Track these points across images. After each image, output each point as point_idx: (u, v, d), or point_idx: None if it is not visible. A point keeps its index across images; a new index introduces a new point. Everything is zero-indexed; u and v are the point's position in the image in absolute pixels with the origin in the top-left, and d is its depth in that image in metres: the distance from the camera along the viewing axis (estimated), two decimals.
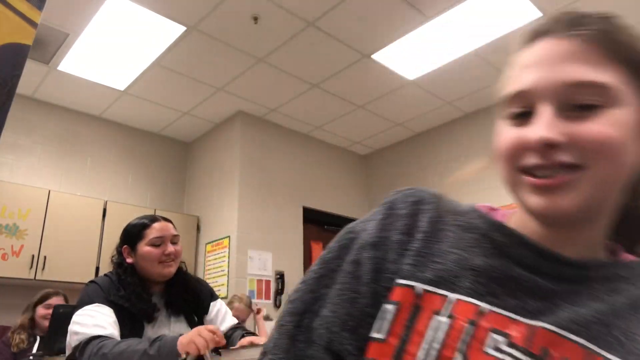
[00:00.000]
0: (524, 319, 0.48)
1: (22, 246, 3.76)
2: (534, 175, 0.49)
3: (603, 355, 0.46)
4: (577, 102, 0.47)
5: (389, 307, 0.50)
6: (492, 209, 0.59)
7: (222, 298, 4.06)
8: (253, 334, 1.71)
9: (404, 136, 5.38)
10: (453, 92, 4.47)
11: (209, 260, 4.61)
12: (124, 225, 1.70)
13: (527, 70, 0.52)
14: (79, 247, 4.02)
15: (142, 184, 4.95)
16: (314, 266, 0.57)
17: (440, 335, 0.47)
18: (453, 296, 0.49)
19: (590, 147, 0.46)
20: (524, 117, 0.51)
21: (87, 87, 4.28)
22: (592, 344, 0.47)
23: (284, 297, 4.57)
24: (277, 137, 5.02)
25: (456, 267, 0.51)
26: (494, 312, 0.48)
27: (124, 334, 1.45)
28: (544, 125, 0.47)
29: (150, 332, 1.53)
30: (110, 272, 1.63)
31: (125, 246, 1.63)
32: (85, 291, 1.54)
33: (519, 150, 0.50)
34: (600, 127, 0.46)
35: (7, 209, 3.76)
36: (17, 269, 3.70)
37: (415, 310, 0.49)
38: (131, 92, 4.39)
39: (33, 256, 3.79)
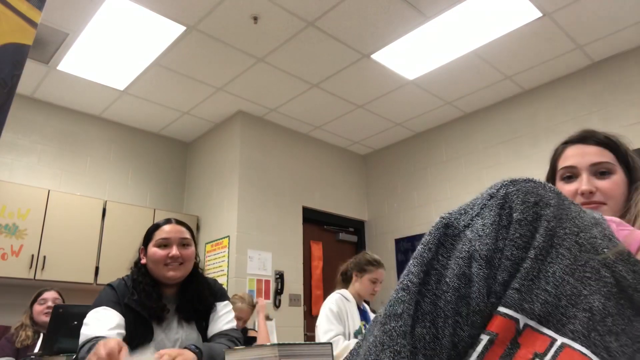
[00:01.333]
0: None
1: (21, 246, 3.76)
2: None
3: None
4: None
5: (483, 337, 0.43)
6: (622, 227, 0.49)
7: None
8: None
9: (404, 136, 5.38)
10: (453, 92, 4.47)
11: (209, 260, 4.61)
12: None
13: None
14: (78, 247, 4.01)
15: (142, 184, 4.95)
16: (412, 267, 0.48)
17: None
18: (560, 339, 0.42)
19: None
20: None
21: (87, 87, 4.28)
22: None
23: (284, 297, 4.58)
24: (277, 137, 5.02)
25: (568, 302, 0.43)
26: None
27: (135, 338, 1.47)
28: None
29: (161, 335, 1.54)
30: (127, 275, 1.67)
31: (142, 247, 1.68)
32: (100, 294, 1.58)
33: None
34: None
35: (6, 208, 3.76)
36: (16, 269, 3.70)
37: (512, 347, 0.42)
38: (131, 92, 4.39)
39: (32, 256, 3.79)
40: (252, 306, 3.49)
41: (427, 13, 3.41)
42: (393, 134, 5.32)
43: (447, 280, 0.45)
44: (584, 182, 1.00)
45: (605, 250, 0.45)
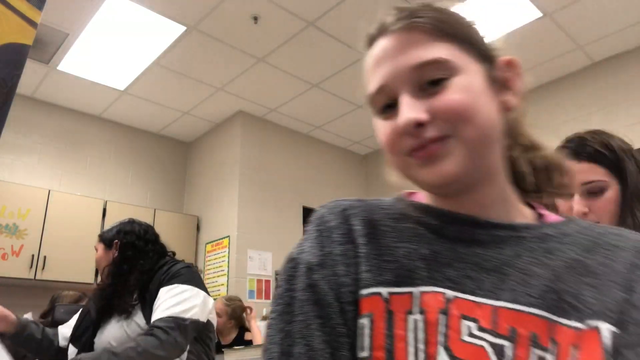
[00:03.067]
0: (485, 300, 0.48)
1: (21, 246, 3.76)
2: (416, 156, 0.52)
3: (562, 323, 0.47)
4: (427, 79, 0.52)
5: (364, 322, 0.48)
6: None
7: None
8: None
9: None
10: None
11: (209, 260, 4.61)
12: None
13: (377, 68, 0.56)
14: (78, 246, 4.01)
15: (142, 184, 4.95)
16: (272, 306, 0.53)
17: (421, 334, 0.47)
18: (417, 290, 0.49)
19: (449, 116, 0.50)
20: (391, 109, 0.55)
21: (87, 87, 4.28)
22: (550, 314, 0.47)
23: None
24: (277, 137, 5.02)
25: (408, 260, 0.51)
26: (458, 297, 0.48)
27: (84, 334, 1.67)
28: (406, 108, 0.51)
29: (110, 331, 1.63)
30: None
31: None
32: None
33: (395, 138, 0.53)
34: (450, 95, 0.51)
35: (6, 208, 3.76)
36: (16, 269, 3.70)
37: (388, 316, 0.48)
38: (131, 92, 4.39)
39: (33, 256, 3.78)
40: (229, 305, 3.38)
41: None
42: None
43: (299, 296, 0.51)
44: (576, 204, 1.04)
45: (412, 213, 0.55)
